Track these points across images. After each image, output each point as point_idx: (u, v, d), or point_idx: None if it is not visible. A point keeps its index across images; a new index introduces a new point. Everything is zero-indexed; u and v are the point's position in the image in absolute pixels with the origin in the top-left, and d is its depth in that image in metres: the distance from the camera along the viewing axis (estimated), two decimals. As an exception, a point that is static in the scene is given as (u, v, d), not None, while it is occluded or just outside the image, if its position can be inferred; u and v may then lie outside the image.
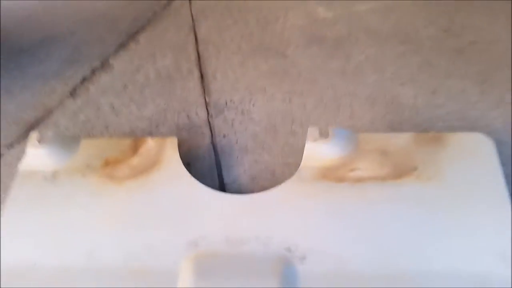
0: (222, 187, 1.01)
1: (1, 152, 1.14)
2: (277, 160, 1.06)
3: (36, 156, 0.96)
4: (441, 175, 0.88)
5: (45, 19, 1.67)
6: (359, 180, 0.88)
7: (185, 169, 0.94)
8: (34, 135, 0.97)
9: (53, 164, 0.96)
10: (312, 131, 0.93)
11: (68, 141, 1.00)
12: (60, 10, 1.72)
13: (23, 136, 1.18)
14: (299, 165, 1.02)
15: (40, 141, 0.96)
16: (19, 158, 1.11)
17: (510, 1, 1.53)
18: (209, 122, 1.18)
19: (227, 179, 1.03)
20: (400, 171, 0.89)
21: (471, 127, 1.11)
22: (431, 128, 1.10)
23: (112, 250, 0.83)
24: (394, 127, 1.11)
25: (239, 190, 1.00)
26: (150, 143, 0.99)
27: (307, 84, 1.28)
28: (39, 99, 1.29)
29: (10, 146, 1.15)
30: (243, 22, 1.58)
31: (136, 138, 1.01)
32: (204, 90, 1.29)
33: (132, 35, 1.54)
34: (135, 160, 0.96)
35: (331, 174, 0.90)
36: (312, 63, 1.35)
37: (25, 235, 0.86)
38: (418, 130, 1.10)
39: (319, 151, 0.91)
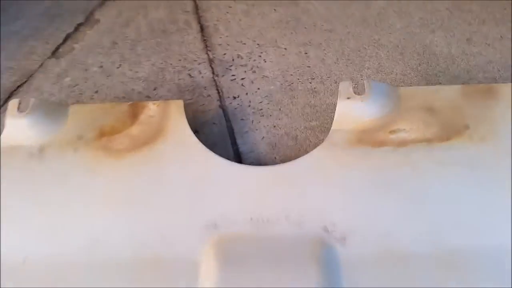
0: (238, 157, 0.88)
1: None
2: (298, 124, 0.92)
3: (18, 127, 0.80)
4: (496, 133, 0.76)
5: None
6: (403, 143, 0.76)
7: (195, 137, 0.80)
8: (13, 103, 0.81)
9: (39, 136, 0.81)
10: (345, 87, 0.79)
11: (54, 108, 0.84)
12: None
13: (2, 105, 1.02)
14: (325, 128, 0.89)
15: (21, 109, 0.81)
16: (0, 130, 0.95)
17: None
18: (215, 82, 1.03)
19: (242, 148, 0.90)
20: (449, 131, 0.76)
21: (516, 76, 0.98)
22: (471, 80, 0.97)
23: (117, 238, 0.70)
24: (430, 80, 0.97)
25: (258, 161, 0.87)
26: (152, 108, 0.84)
27: (324, 34, 1.12)
28: (16, 61, 1.12)
29: (-13, 116, 0.99)
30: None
31: (134, 103, 0.86)
32: (206, 44, 1.13)
33: (118, -16, 1.35)
34: (135, 129, 0.82)
35: (369, 138, 0.77)
36: (328, 11, 1.19)
37: (11, 224, 0.72)
38: (458, 82, 0.96)
39: (353, 111, 0.77)
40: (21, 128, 0.81)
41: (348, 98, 0.78)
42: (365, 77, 0.99)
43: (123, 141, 0.80)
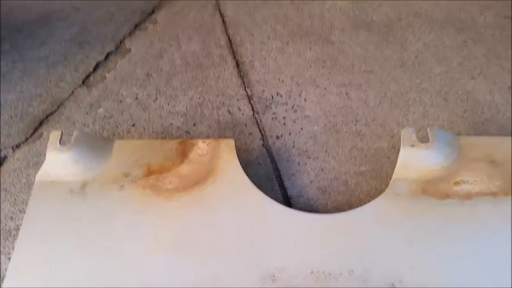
0: (287, 201, 0.84)
1: (3, 155, 0.92)
2: (347, 168, 0.89)
3: (59, 161, 0.75)
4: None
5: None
6: (468, 196, 0.73)
7: (248, 178, 0.76)
8: (55, 135, 0.77)
9: (81, 172, 0.76)
10: (407, 133, 0.76)
11: (98, 143, 0.79)
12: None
13: (31, 134, 0.96)
14: (376, 174, 0.86)
15: (63, 142, 0.76)
16: (28, 162, 0.90)
17: None
18: (256, 120, 1.00)
19: (291, 191, 0.86)
20: (513, 184, 0.74)
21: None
22: (519, 130, 0.96)
23: (167, 283, 0.65)
24: (477, 128, 0.96)
25: (309, 206, 0.83)
26: (202, 147, 0.80)
27: (364, 75, 1.11)
28: (45, 88, 1.07)
29: (16, 147, 0.93)
30: (273, 1, 1.39)
31: (183, 141, 0.81)
32: (243, 80, 1.10)
33: (148, 14, 1.33)
34: (185, 168, 0.77)
35: (433, 189, 0.74)
36: (364, 51, 1.18)
37: (46, 267, 0.66)
38: (505, 131, 0.95)
39: (417, 159, 0.75)
40: (62, 162, 0.76)
41: (412, 145, 0.75)
42: (412, 122, 0.97)
43: (172, 180, 0.76)
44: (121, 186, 0.75)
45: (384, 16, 1.31)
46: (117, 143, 0.80)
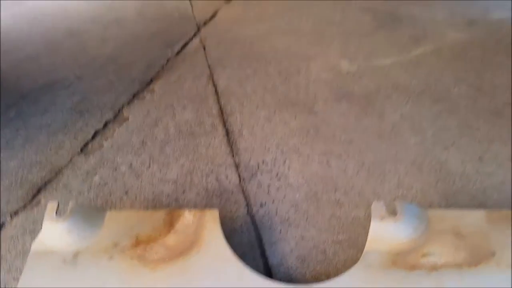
0: (267, 270, 0.88)
1: (2, 221, 0.98)
2: (326, 237, 0.94)
3: (55, 232, 0.81)
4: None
5: (48, 62, 1.55)
6: (434, 267, 0.78)
7: (230, 249, 0.81)
8: (52, 206, 0.82)
9: (74, 242, 0.81)
10: (378, 207, 0.82)
11: (92, 213, 0.85)
12: (64, 52, 1.60)
13: (30, 202, 1.02)
14: (353, 242, 0.91)
15: (59, 213, 0.82)
16: (25, 229, 0.95)
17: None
18: (242, 188, 1.06)
19: (272, 260, 0.90)
20: (478, 256, 0.79)
21: (527, 199, 1.03)
22: (487, 200, 1.02)
23: None
24: (448, 199, 1.02)
25: (288, 276, 0.87)
26: (188, 217, 0.86)
27: (344, 145, 1.18)
28: (45, 155, 1.14)
29: (15, 214, 0.99)
30: (263, 73, 1.50)
31: (170, 211, 0.87)
32: (231, 148, 1.18)
33: (147, 83, 1.43)
34: (171, 239, 0.83)
35: (402, 260, 0.79)
36: (345, 121, 1.27)
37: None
38: (475, 202, 1.01)
39: (387, 232, 0.80)
40: (57, 232, 0.81)
41: (382, 219, 0.81)
42: (386, 193, 1.03)
43: (158, 251, 0.81)
44: (110, 256, 0.80)
45: (364, 88, 1.41)
46: (109, 214, 0.86)
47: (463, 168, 1.10)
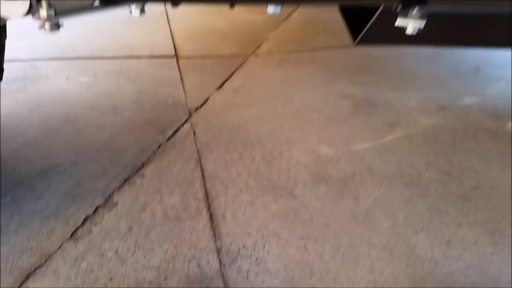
0: None
1: (-11, 307, 1.02)
2: (300, 323, 0.98)
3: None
4: None
5: (45, 147, 1.65)
6: None
7: None
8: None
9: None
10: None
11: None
12: (61, 138, 1.71)
13: (20, 286, 1.07)
14: (326, 330, 0.95)
15: (44, 304, 0.87)
16: (11, 317, 0.99)
17: (501, 144, 1.64)
18: (222, 274, 1.11)
19: None
20: None
21: (493, 283, 1.09)
22: (454, 284, 1.07)
23: None
24: (417, 282, 1.07)
25: None
26: (167, 307, 0.90)
27: (321, 228, 1.26)
28: (37, 241, 1.20)
29: (3, 300, 1.04)
30: (248, 157, 1.61)
31: (151, 300, 0.92)
32: (214, 233, 1.24)
33: (138, 168, 1.52)
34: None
35: None
36: (322, 205, 1.35)
37: None
38: (442, 285, 1.06)
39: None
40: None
41: (348, 308, 0.86)
42: (361, 276, 1.09)
43: None
44: None
45: (341, 172, 1.51)
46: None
47: (432, 252, 1.17)
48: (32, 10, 0.86)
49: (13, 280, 1.09)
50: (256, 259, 1.16)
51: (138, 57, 2.53)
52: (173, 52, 2.63)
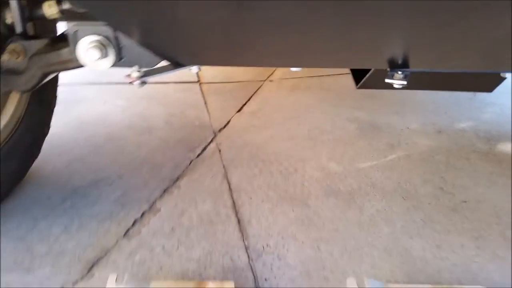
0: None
1: (64, 288, 1.27)
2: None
3: (113, 296, 1.10)
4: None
5: (92, 162, 1.92)
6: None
7: (242, 312, 1.10)
8: (113, 276, 1.13)
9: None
10: (351, 282, 1.12)
11: (141, 283, 1.15)
12: (105, 154, 1.98)
13: (85, 274, 1.32)
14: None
15: (118, 282, 1.12)
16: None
17: (490, 164, 1.88)
18: (250, 266, 1.36)
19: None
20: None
21: (473, 279, 1.32)
22: (441, 279, 1.31)
23: None
24: (411, 277, 1.31)
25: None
26: (211, 286, 1.15)
27: (331, 233, 1.50)
28: (96, 239, 1.46)
29: (75, 283, 1.28)
30: (267, 172, 1.86)
31: (198, 282, 1.17)
32: (242, 234, 1.49)
33: (174, 181, 1.79)
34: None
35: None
36: (332, 213, 1.60)
37: None
38: (431, 280, 1.30)
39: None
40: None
41: (353, 290, 1.10)
42: (363, 272, 1.32)
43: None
44: (155, 315, 1.08)
45: (348, 186, 1.76)
46: (153, 283, 1.16)
47: (424, 253, 1.41)
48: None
49: (82, 268, 1.34)
50: (278, 256, 1.40)
51: (165, 82, 2.82)
52: (196, 78, 2.92)
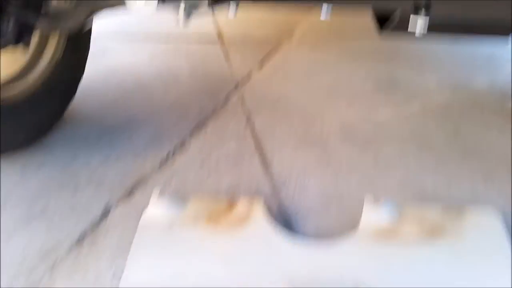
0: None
1: (110, 205, 1.43)
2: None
3: (157, 207, 1.25)
4: (462, 238, 1.19)
5: (124, 105, 2.05)
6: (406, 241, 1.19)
7: (269, 225, 1.24)
8: (156, 190, 1.28)
9: (171, 217, 1.24)
10: (369, 198, 1.26)
11: (181, 197, 1.30)
12: (136, 98, 2.11)
13: (128, 195, 1.47)
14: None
15: (160, 195, 1.26)
16: (129, 211, 1.40)
17: (502, 117, 1.97)
18: (275, 195, 1.50)
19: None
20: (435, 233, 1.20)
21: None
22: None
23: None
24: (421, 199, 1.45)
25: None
26: (243, 202, 1.30)
27: (348, 170, 1.63)
28: (136, 166, 1.61)
29: (119, 200, 1.44)
30: (288, 120, 1.98)
31: (231, 198, 1.31)
32: (267, 170, 1.63)
33: (201, 124, 1.92)
34: (230, 216, 1.26)
35: (384, 235, 1.20)
36: (349, 156, 1.72)
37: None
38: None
39: (374, 215, 1.23)
40: (159, 208, 1.25)
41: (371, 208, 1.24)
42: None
43: (222, 224, 1.24)
44: (194, 226, 1.23)
45: (364, 134, 1.88)
46: (192, 199, 1.31)
47: (435, 188, 1.53)
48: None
49: (123, 191, 1.49)
50: (299, 187, 1.54)
51: (188, 42, 2.91)
52: (217, 38, 3.01)
